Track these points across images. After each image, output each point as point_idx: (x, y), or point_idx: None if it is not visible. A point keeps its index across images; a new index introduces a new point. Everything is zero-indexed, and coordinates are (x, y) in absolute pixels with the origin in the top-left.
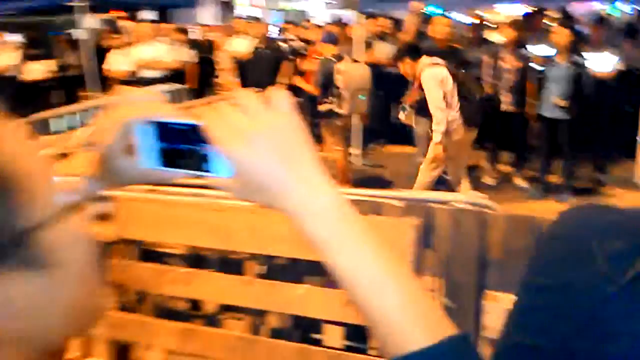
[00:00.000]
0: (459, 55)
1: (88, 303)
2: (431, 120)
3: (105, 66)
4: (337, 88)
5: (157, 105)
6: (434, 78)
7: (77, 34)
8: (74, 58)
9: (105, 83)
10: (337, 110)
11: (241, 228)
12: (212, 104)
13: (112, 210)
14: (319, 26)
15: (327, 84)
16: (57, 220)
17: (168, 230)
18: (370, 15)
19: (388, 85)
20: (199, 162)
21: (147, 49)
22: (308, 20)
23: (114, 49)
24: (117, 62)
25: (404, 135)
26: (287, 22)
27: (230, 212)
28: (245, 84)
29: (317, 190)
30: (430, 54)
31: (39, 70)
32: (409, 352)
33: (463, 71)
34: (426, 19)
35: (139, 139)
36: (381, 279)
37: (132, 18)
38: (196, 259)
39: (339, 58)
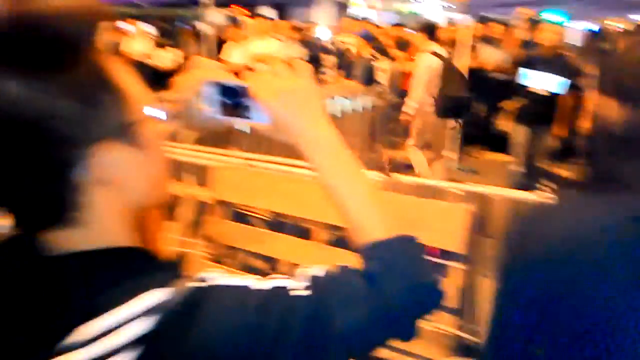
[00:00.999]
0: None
1: (161, 181)
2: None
3: (221, 56)
4: (379, 83)
5: (220, 72)
6: (426, 62)
7: (201, 27)
8: (197, 49)
9: None
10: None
11: (316, 199)
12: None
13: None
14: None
15: (369, 80)
16: (149, 122)
17: (255, 196)
18: (483, 20)
19: (490, 90)
20: (246, 112)
21: (262, 44)
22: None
23: (231, 41)
24: (232, 54)
25: (502, 143)
26: (396, 24)
27: (307, 184)
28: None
29: (320, 130)
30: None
31: (167, 58)
32: (374, 241)
33: (454, 69)
34: (537, 25)
35: (206, 95)
36: (356, 191)
37: (252, 14)
38: (276, 223)
39: (375, 57)
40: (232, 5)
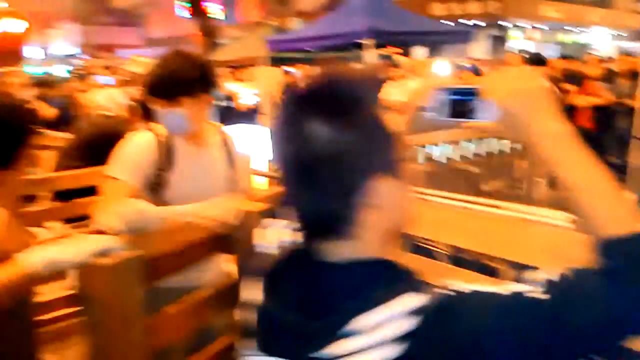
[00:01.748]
0: None
1: (411, 210)
2: None
3: (380, 95)
4: None
5: (446, 78)
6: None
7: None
8: None
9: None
10: None
11: (499, 236)
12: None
13: None
14: (602, 60)
15: None
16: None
17: (437, 230)
18: None
19: None
20: (473, 113)
21: (417, 82)
22: (589, 54)
23: (389, 80)
24: (391, 93)
25: None
26: (563, 56)
27: (491, 221)
28: None
29: (556, 124)
30: None
31: None
32: (615, 236)
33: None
34: None
35: (435, 100)
36: (595, 184)
37: (406, 54)
38: (457, 259)
39: None
40: (388, 46)
